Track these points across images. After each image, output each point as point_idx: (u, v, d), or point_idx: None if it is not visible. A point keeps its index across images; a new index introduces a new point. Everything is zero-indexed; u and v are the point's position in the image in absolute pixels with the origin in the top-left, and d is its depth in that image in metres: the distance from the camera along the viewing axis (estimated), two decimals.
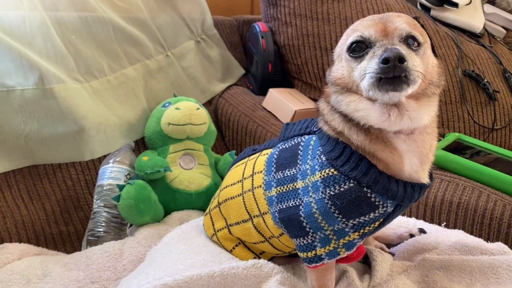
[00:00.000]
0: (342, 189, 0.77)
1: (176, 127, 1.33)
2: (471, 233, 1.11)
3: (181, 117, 1.34)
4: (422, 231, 1.11)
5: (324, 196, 0.78)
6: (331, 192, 0.77)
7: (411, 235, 1.10)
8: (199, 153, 1.38)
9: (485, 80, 1.60)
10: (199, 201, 1.30)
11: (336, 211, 0.78)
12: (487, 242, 1.06)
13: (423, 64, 0.73)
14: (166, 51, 1.59)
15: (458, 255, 0.98)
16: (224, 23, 1.85)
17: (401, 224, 1.16)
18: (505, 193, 1.14)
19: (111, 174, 1.26)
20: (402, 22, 0.74)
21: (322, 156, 0.80)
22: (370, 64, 0.71)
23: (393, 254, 1.07)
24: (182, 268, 0.90)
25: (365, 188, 0.76)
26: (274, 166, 0.88)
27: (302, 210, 0.81)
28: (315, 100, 1.65)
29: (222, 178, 1.37)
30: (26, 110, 1.20)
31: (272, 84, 1.70)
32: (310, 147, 0.84)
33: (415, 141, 0.78)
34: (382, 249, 1.08)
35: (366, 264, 1.01)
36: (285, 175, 0.85)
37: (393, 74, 0.68)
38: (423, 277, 0.97)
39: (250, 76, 1.82)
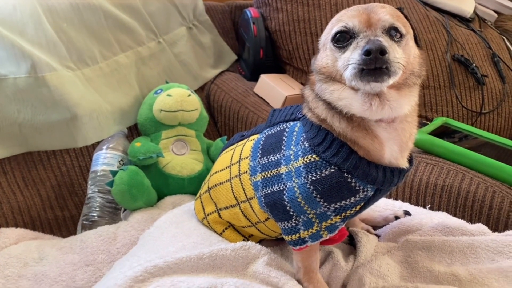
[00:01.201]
0: (323, 175, 0.80)
1: (168, 114, 1.36)
2: (454, 215, 1.14)
3: (173, 103, 1.36)
4: (407, 213, 1.14)
5: (306, 181, 0.81)
6: (313, 178, 0.80)
7: (396, 217, 1.13)
8: (191, 139, 1.41)
9: (474, 64, 1.62)
10: (191, 186, 1.33)
11: (318, 196, 0.81)
12: (469, 223, 1.10)
13: (404, 55, 0.75)
14: (158, 37, 1.60)
15: (439, 236, 1.02)
16: (216, 9, 1.85)
17: (387, 206, 1.19)
18: (488, 176, 1.17)
19: (105, 160, 1.29)
20: (385, 14, 0.76)
21: (305, 143, 0.83)
22: (353, 55, 0.73)
23: (378, 236, 1.11)
24: (173, 251, 0.93)
25: (345, 174, 0.79)
26: (260, 152, 0.91)
27: (286, 194, 0.84)
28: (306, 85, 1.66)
29: (214, 162, 1.40)
30: (19, 98, 1.21)
31: (264, 70, 1.71)
32: (294, 133, 0.87)
33: (395, 129, 0.80)
34: (368, 231, 1.11)
35: (351, 245, 1.05)
36: (270, 160, 0.88)
37: (374, 65, 0.70)
38: (406, 257, 1.00)
39: (242, 62, 1.83)
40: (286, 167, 0.85)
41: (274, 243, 1.05)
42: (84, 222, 1.22)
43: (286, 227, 0.86)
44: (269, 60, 1.75)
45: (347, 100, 0.77)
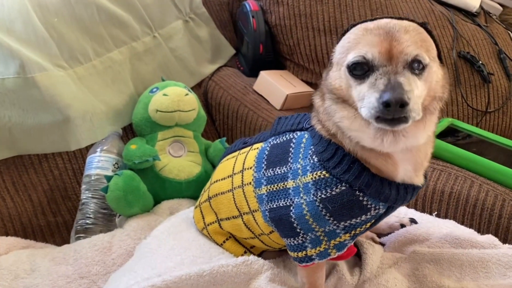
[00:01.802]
0: (333, 193, 0.75)
1: (164, 114, 1.30)
2: (462, 223, 1.11)
3: (169, 103, 1.30)
4: (413, 221, 1.10)
5: (315, 199, 0.76)
6: (323, 195, 0.76)
7: (402, 225, 1.09)
8: (188, 140, 1.35)
9: (480, 62, 1.58)
10: (189, 190, 1.29)
11: (328, 214, 0.77)
12: (478, 232, 1.07)
13: (426, 86, 0.70)
14: (153, 32, 1.53)
15: (448, 248, 0.98)
16: (213, 0, 1.78)
17: (393, 213, 1.15)
18: (497, 183, 1.13)
19: (99, 164, 1.24)
20: (409, 43, 0.68)
21: (314, 157, 0.78)
22: (369, 95, 0.66)
23: (383, 244, 1.08)
24: (171, 266, 0.89)
25: (357, 192, 0.75)
26: (265, 163, 0.86)
27: (293, 211, 0.80)
28: (307, 82, 1.62)
29: (213, 165, 1.36)
30: (8, 100, 1.16)
31: (263, 65, 1.66)
32: (302, 145, 0.82)
33: (410, 151, 0.76)
34: (372, 239, 1.08)
35: (356, 255, 1.01)
36: (276, 173, 0.83)
37: (392, 116, 0.65)
38: (414, 270, 0.97)
39: (241, 56, 1.77)
40: (294, 182, 0.80)
41: (277, 254, 1.01)
42: (78, 229, 1.17)
43: (292, 243, 0.82)
44: (269, 56, 1.69)
45: (357, 132, 0.72)
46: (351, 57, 0.69)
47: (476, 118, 1.57)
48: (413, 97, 0.65)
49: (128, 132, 1.42)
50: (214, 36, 1.74)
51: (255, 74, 1.62)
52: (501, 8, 1.96)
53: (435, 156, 1.25)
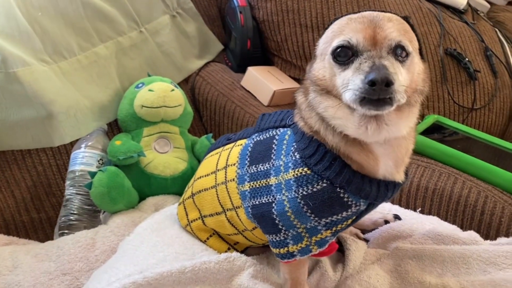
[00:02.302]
0: (315, 189, 0.75)
1: (149, 110, 1.29)
2: (446, 220, 1.12)
3: (155, 99, 1.29)
4: (397, 217, 1.11)
5: (297, 195, 0.77)
6: (304, 192, 0.76)
7: (386, 222, 1.10)
8: (174, 136, 1.35)
9: (467, 59, 1.58)
10: (175, 186, 1.28)
11: (309, 211, 0.77)
12: (461, 228, 1.08)
13: (408, 75, 0.71)
14: (139, 27, 1.52)
15: (431, 245, 0.99)
16: None
17: (377, 209, 1.16)
18: (481, 180, 1.14)
19: (83, 160, 1.23)
20: (392, 30, 0.69)
21: (296, 154, 0.78)
22: (354, 79, 0.67)
23: (367, 240, 1.08)
24: (153, 263, 0.89)
25: (338, 189, 0.75)
26: (248, 159, 0.86)
27: (275, 208, 0.80)
28: (295, 78, 1.62)
29: (199, 161, 1.35)
30: None
31: (251, 61, 1.65)
32: (285, 141, 0.82)
33: (391, 146, 0.76)
34: (356, 235, 1.08)
35: (340, 251, 1.01)
36: (259, 169, 0.83)
37: (378, 96, 0.65)
38: (396, 266, 0.97)
39: (229, 52, 1.76)
40: (276, 179, 0.80)
41: (260, 250, 1.01)
42: (62, 225, 1.16)
43: (274, 240, 0.82)
44: (257, 51, 1.68)
45: (341, 120, 0.72)
46: (336, 43, 0.70)
47: (462, 115, 1.58)
48: (397, 79, 0.66)
49: (114, 128, 1.41)
50: (202, 32, 1.72)
51: (243, 70, 1.62)
52: (488, 6, 1.97)
53: (420, 153, 1.25)
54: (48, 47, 1.27)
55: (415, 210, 1.16)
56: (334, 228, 0.79)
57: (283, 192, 0.79)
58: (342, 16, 0.75)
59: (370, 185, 0.76)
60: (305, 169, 0.76)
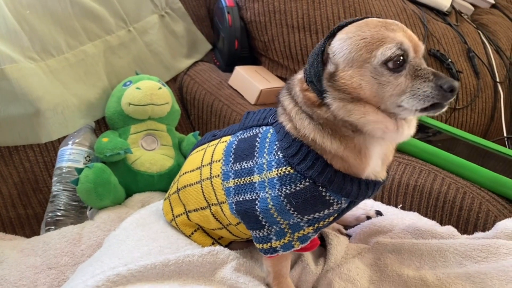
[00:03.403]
0: (297, 188, 0.78)
1: (137, 108, 1.31)
2: (426, 215, 1.15)
3: (142, 97, 1.31)
4: (379, 213, 1.14)
5: (280, 194, 0.79)
6: (287, 191, 0.78)
7: (368, 217, 1.12)
8: (161, 133, 1.36)
9: (449, 60, 1.61)
10: (161, 183, 1.30)
11: (292, 209, 0.79)
12: (440, 224, 1.10)
13: None
14: (128, 26, 1.53)
15: (409, 239, 1.02)
16: None
17: (359, 205, 1.18)
18: (459, 177, 1.17)
19: (70, 156, 1.24)
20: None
21: (279, 153, 0.80)
22: (421, 86, 0.69)
23: (349, 236, 1.10)
24: (137, 256, 0.90)
25: (320, 187, 0.77)
26: (232, 156, 0.88)
27: (258, 205, 0.82)
28: (282, 78, 1.64)
29: (186, 158, 1.37)
30: None
31: (239, 61, 1.67)
32: (267, 139, 0.84)
33: (387, 145, 0.81)
34: (339, 230, 1.11)
35: (322, 246, 1.04)
36: (243, 167, 0.85)
37: (448, 101, 0.70)
38: (376, 260, 1.00)
39: (217, 52, 1.78)
40: (259, 176, 0.82)
41: (244, 244, 1.03)
42: (49, 221, 1.17)
43: (258, 235, 0.84)
44: (245, 51, 1.70)
45: (382, 124, 0.73)
46: (389, 52, 0.70)
47: (445, 114, 1.61)
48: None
49: (102, 125, 1.42)
50: (190, 31, 1.74)
51: (231, 70, 1.64)
52: (472, 8, 2.00)
53: (401, 151, 1.28)
54: (36, 45, 1.28)
55: (396, 207, 1.19)
56: (316, 225, 0.82)
57: (266, 190, 0.80)
58: (348, 23, 0.76)
59: (351, 184, 0.78)
60: (288, 168, 0.78)
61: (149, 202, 1.25)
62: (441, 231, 1.02)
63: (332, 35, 0.76)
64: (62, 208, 1.18)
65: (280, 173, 0.79)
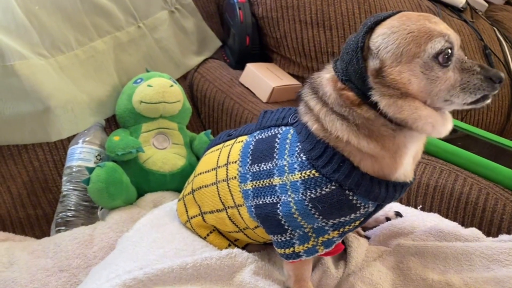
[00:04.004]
0: (323, 192, 0.74)
1: (148, 105, 1.28)
2: (447, 217, 1.11)
3: (154, 94, 1.28)
4: (398, 214, 1.10)
5: (304, 198, 0.75)
6: (312, 195, 0.75)
7: (387, 219, 1.09)
8: (173, 132, 1.33)
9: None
10: (174, 182, 1.27)
11: (317, 213, 0.76)
12: (462, 226, 1.07)
13: None
14: (137, 22, 1.51)
15: (433, 241, 0.98)
16: None
17: None
18: (482, 177, 1.14)
19: (81, 155, 1.21)
20: None
21: (302, 155, 0.77)
22: (472, 79, 0.69)
23: (368, 238, 1.07)
24: (153, 259, 0.87)
25: (347, 191, 0.74)
26: (250, 158, 0.84)
27: (280, 208, 0.78)
28: (294, 75, 1.61)
29: (198, 157, 1.34)
30: None
31: (250, 58, 1.64)
32: (288, 140, 0.80)
33: (422, 142, 0.79)
34: (358, 232, 1.07)
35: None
36: (261, 169, 0.82)
37: (495, 92, 0.70)
38: (398, 263, 0.96)
39: (227, 48, 1.75)
40: (280, 179, 0.78)
41: (261, 247, 1.00)
42: (59, 221, 1.14)
43: (280, 240, 0.81)
44: (256, 48, 1.67)
45: (429, 119, 0.70)
46: (439, 45, 0.68)
47: (461, 112, 1.58)
48: None
49: (112, 124, 1.39)
50: (200, 28, 1.71)
51: (241, 67, 1.60)
52: (486, 5, 1.97)
53: None
54: (45, 41, 1.25)
55: (416, 208, 1.15)
56: (341, 229, 0.79)
57: (289, 193, 0.77)
58: (388, 16, 0.73)
59: (379, 186, 0.75)
60: (313, 171, 0.75)
61: (161, 202, 1.22)
62: (465, 233, 0.99)
63: (370, 30, 0.72)
64: (72, 208, 1.15)
65: (304, 177, 0.75)
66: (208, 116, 1.58)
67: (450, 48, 0.69)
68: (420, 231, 1.03)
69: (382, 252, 1.01)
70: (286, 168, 0.78)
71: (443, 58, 0.69)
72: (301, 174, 0.76)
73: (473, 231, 1.00)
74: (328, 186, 0.74)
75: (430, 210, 1.15)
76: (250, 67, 1.57)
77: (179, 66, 1.60)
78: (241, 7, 1.61)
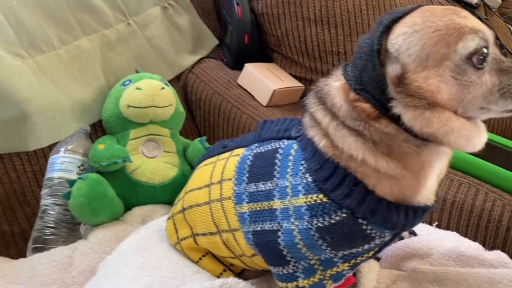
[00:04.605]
0: (332, 221, 0.64)
1: (137, 110, 1.17)
2: (466, 236, 1.01)
3: (143, 98, 1.17)
4: (412, 233, 1.00)
5: (310, 226, 0.65)
6: (319, 224, 0.64)
7: (401, 238, 0.99)
8: (164, 138, 1.22)
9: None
10: (164, 195, 1.16)
11: (325, 244, 0.65)
12: (483, 246, 0.97)
13: None
14: (127, 19, 1.40)
15: (453, 267, 0.88)
16: None
17: None
18: (505, 191, 1.03)
19: (62, 166, 1.10)
20: None
21: (307, 175, 0.66)
22: (511, 82, 0.59)
23: (379, 259, 0.97)
24: None
25: (360, 220, 0.63)
26: (247, 175, 0.73)
27: (282, 237, 0.68)
28: (295, 76, 1.50)
29: (191, 166, 1.23)
30: None
31: (248, 57, 1.53)
32: (291, 157, 0.69)
33: (448, 158, 0.68)
34: None
35: None
36: (259, 189, 0.71)
37: None
38: None
39: (224, 47, 1.64)
40: (281, 202, 0.68)
41: (260, 272, 0.89)
42: (36, 239, 1.03)
43: (281, 273, 0.70)
44: (255, 47, 1.56)
45: (463, 131, 0.59)
46: (472, 44, 0.57)
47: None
48: None
49: (98, 130, 1.28)
50: (195, 25, 1.60)
51: (239, 67, 1.49)
52: (500, 1, 1.86)
53: None
54: (23, 39, 1.14)
55: (431, 224, 1.05)
56: (352, 261, 0.68)
57: (292, 220, 0.66)
58: (408, 12, 0.62)
59: (397, 213, 0.64)
60: (320, 195, 0.64)
61: (150, 216, 1.11)
62: (490, 257, 0.88)
63: (387, 29, 0.61)
64: (52, 225, 1.04)
65: (309, 202, 0.64)
66: (204, 121, 1.47)
67: (486, 47, 0.58)
68: (438, 253, 0.92)
69: (395, 277, 0.90)
70: (288, 190, 0.67)
71: (477, 59, 0.58)
72: (306, 198, 0.65)
73: (499, 255, 0.89)
74: (338, 213, 0.63)
75: (447, 228, 1.04)
76: (249, 67, 1.46)
77: (172, 66, 1.49)
78: (239, 3, 1.51)
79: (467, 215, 1.02)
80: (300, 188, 0.66)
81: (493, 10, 1.77)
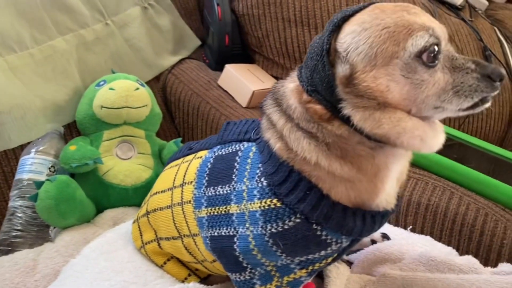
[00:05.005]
0: (286, 227, 0.62)
1: (110, 111, 1.15)
2: (440, 240, 0.99)
3: (116, 99, 1.15)
4: (385, 236, 0.98)
5: (264, 232, 0.63)
6: (273, 230, 0.62)
7: (373, 241, 0.97)
8: (139, 140, 1.20)
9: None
10: (137, 197, 1.14)
11: (279, 250, 0.63)
12: (457, 250, 0.95)
13: None
14: (105, 19, 1.38)
15: (423, 272, 0.86)
16: None
17: None
18: (480, 195, 1.01)
19: (32, 167, 1.08)
20: None
21: (262, 179, 0.64)
22: (466, 80, 0.57)
23: (351, 263, 0.95)
24: None
25: (314, 225, 0.61)
26: (206, 178, 0.72)
27: (237, 243, 0.66)
28: (276, 77, 1.48)
29: None
30: None
31: (230, 59, 1.51)
32: (249, 160, 0.67)
33: (406, 160, 0.66)
34: None
35: (318, 277, 0.88)
36: (217, 193, 0.69)
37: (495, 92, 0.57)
38: None
39: (207, 48, 1.62)
40: (238, 207, 0.66)
41: (226, 277, 0.87)
42: (2, 242, 1.01)
43: (238, 279, 0.68)
44: (236, 48, 1.54)
45: (416, 131, 0.57)
46: (421, 41, 0.55)
47: (458, 120, 1.45)
48: None
49: (73, 131, 1.26)
50: (177, 26, 1.58)
51: (221, 68, 1.47)
52: (487, 3, 1.84)
53: (411, 163, 1.12)
54: None
55: (405, 228, 1.03)
56: (310, 268, 0.66)
57: (247, 225, 0.65)
58: (358, 10, 0.60)
59: (354, 218, 0.62)
60: (274, 200, 0.62)
61: (122, 219, 1.10)
62: (460, 262, 0.86)
63: (337, 28, 0.59)
64: (19, 228, 1.02)
65: (263, 206, 0.62)
66: (183, 122, 1.45)
67: (436, 44, 0.56)
68: (409, 258, 0.90)
69: (365, 283, 0.89)
70: (244, 194, 0.65)
71: (428, 56, 0.56)
72: (260, 203, 0.63)
73: (470, 260, 0.87)
74: (292, 219, 0.61)
75: (421, 232, 1.02)
76: (229, 68, 1.44)
77: (151, 67, 1.47)
78: (219, 3, 1.49)
79: (441, 219, 1.00)
80: (255, 192, 0.64)
81: (479, 12, 1.75)
